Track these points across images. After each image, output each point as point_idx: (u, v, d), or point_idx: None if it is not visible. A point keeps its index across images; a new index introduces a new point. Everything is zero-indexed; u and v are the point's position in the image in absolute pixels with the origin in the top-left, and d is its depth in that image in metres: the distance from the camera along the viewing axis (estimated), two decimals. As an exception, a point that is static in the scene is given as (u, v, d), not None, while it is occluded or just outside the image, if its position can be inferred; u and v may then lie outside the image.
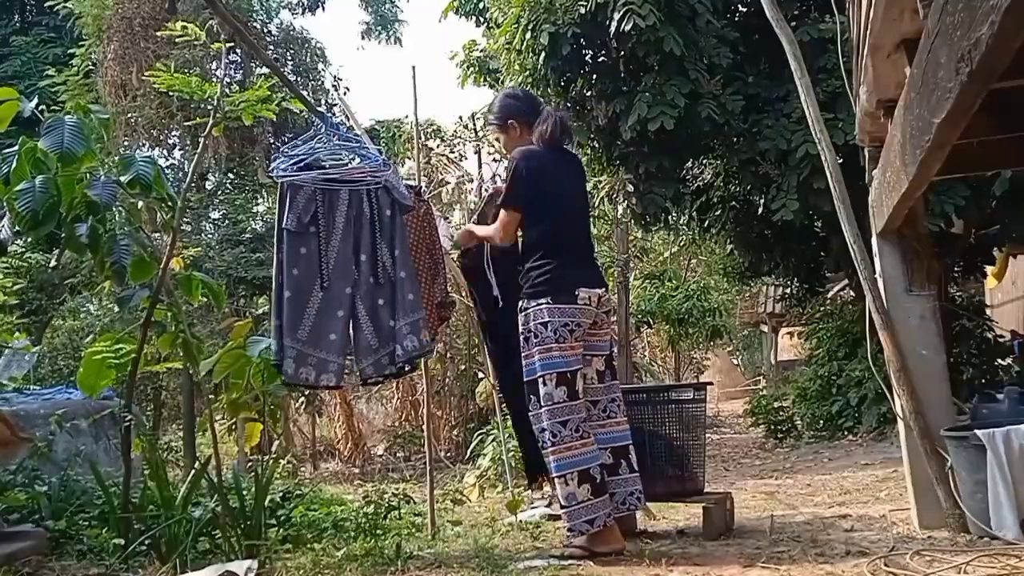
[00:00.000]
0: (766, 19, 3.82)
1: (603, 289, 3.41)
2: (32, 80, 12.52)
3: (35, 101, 3.24)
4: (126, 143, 10.79)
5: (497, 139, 3.72)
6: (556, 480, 3.22)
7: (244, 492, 3.48)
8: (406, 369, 3.66)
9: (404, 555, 3.28)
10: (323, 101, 12.10)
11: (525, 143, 3.48)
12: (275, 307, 3.36)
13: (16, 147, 3.03)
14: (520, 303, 3.34)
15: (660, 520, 4.00)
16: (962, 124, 2.11)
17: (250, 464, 6.43)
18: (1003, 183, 6.36)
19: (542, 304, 3.26)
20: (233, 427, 8.24)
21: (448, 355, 9.41)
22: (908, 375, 3.35)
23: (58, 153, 2.94)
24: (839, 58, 4.25)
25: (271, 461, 4.42)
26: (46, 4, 12.07)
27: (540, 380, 3.23)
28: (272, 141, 11.29)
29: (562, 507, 3.23)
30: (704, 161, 8.31)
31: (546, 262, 3.31)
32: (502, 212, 3.43)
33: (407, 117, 11.66)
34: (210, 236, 10.88)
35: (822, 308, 9.64)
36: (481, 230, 3.64)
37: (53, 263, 9.20)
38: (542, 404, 3.22)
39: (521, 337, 3.32)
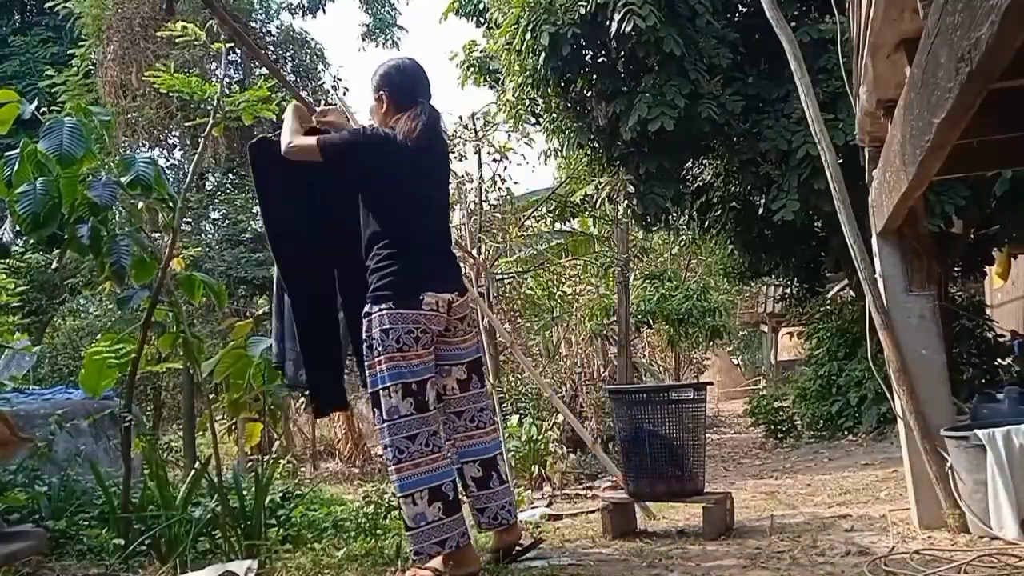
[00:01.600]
0: (766, 19, 3.83)
1: (455, 294, 3.09)
2: (31, 80, 12.52)
3: (35, 103, 3.24)
4: (126, 143, 10.79)
5: (371, 107, 3.31)
6: (402, 500, 2.93)
7: (244, 492, 3.48)
8: None
9: (404, 555, 3.27)
10: (323, 102, 12.09)
11: (387, 123, 3.15)
12: (276, 309, 3.37)
13: (17, 149, 3.04)
14: (364, 307, 3.04)
15: (660, 520, 4.00)
16: (962, 124, 2.11)
17: (250, 464, 6.43)
18: (1003, 183, 6.37)
19: (383, 309, 2.96)
20: (233, 427, 8.24)
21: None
22: (908, 375, 3.35)
23: (57, 155, 2.94)
24: (839, 58, 4.25)
25: (271, 461, 4.42)
26: (46, 4, 12.06)
27: (383, 392, 2.95)
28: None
29: (408, 529, 2.94)
30: (704, 161, 8.31)
31: (389, 263, 3.01)
32: (318, 138, 3.08)
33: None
34: (210, 236, 10.88)
35: (822, 308, 9.64)
36: (289, 126, 3.21)
37: (55, 264, 9.21)
38: (386, 418, 2.94)
39: (364, 345, 3.03)
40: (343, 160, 3.10)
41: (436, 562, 2.92)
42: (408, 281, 3.00)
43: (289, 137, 3.16)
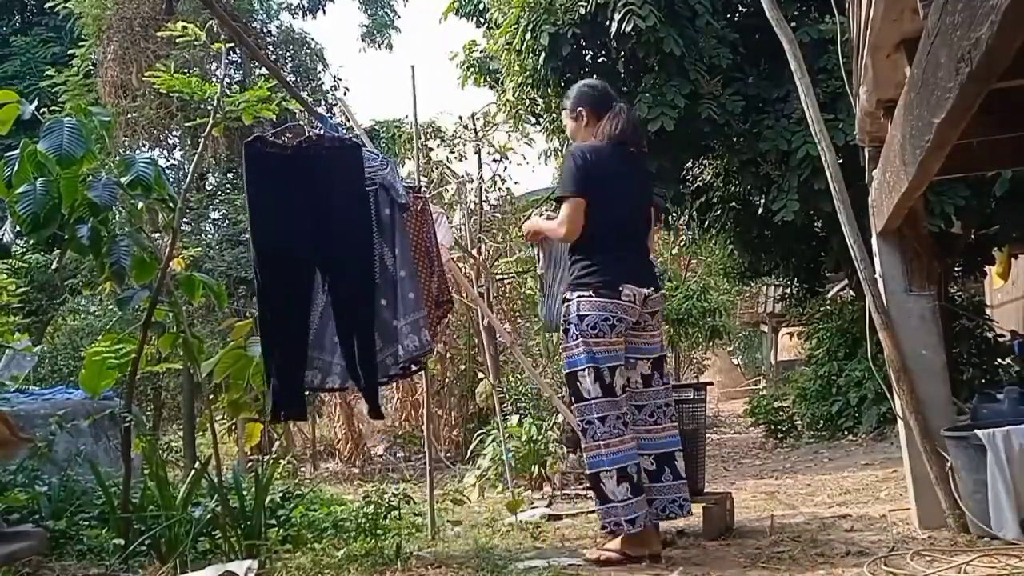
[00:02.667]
0: (766, 19, 3.83)
1: (651, 289, 3.30)
2: (32, 80, 12.51)
3: (35, 103, 3.24)
4: (126, 143, 10.78)
5: (564, 127, 3.62)
6: (591, 477, 3.15)
7: (244, 492, 3.47)
8: (412, 369, 3.66)
9: (404, 555, 3.28)
10: (323, 102, 12.10)
11: (590, 135, 3.40)
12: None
13: (18, 150, 3.04)
14: (564, 294, 3.29)
15: (665, 521, 3.99)
16: (962, 124, 2.11)
17: (250, 464, 6.43)
18: (1003, 183, 6.36)
19: (583, 296, 3.19)
20: (233, 427, 8.24)
21: (448, 355, 9.40)
22: (908, 375, 3.35)
23: (57, 156, 2.94)
24: (839, 58, 4.25)
25: (271, 461, 4.42)
26: (46, 4, 12.05)
27: (578, 374, 3.17)
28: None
29: (601, 504, 3.13)
30: (704, 161, 8.31)
31: (593, 255, 3.24)
32: (564, 205, 3.28)
33: (407, 117, 11.67)
34: (210, 236, 10.86)
35: (822, 308, 9.64)
36: (545, 224, 3.51)
37: (55, 264, 9.21)
38: (581, 398, 3.17)
39: (562, 329, 3.28)
40: (577, 190, 3.26)
41: (619, 541, 3.12)
42: (610, 272, 3.20)
43: (553, 226, 3.37)
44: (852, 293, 9.05)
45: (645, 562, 3.08)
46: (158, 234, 3.70)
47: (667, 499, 3.28)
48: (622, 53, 6.59)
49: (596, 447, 3.12)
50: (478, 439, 6.77)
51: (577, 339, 3.16)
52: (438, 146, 9.70)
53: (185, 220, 8.87)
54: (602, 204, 3.26)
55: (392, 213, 3.41)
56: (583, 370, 3.15)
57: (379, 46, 16.35)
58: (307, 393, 3.67)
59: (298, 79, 11.94)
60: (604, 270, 3.20)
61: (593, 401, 3.13)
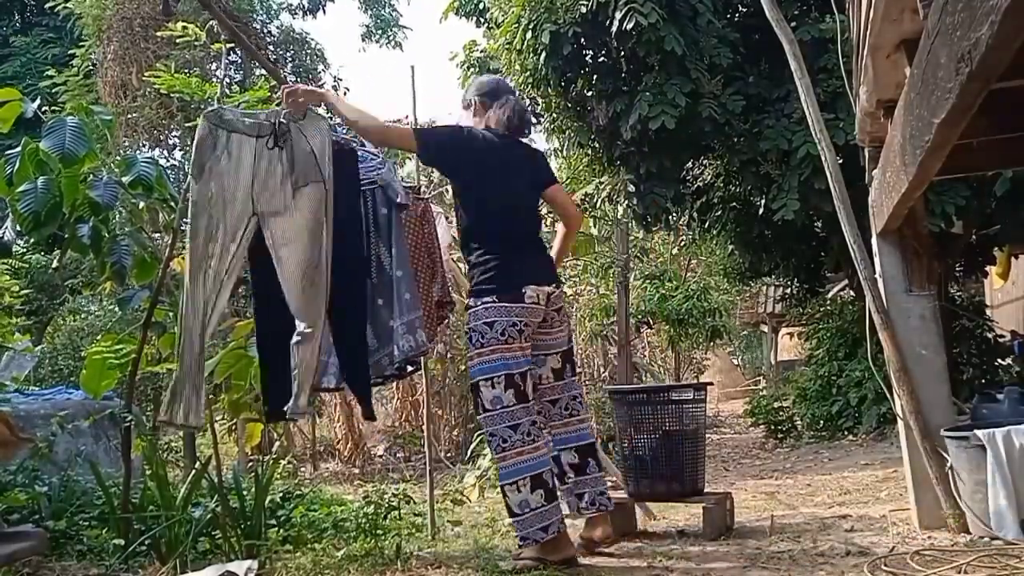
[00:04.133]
0: (766, 19, 3.83)
1: (553, 285, 3.27)
2: (32, 80, 12.51)
3: (37, 102, 3.24)
4: (126, 143, 10.79)
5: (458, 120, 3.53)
6: (506, 487, 3.06)
7: (244, 492, 3.48)
8: (408, 370, 3.65)
9: (404, 555, 3.28)
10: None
11: (480, 125, 3.36)
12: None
13: (18, 148, 3.04)
14: (467, 300, 3.24)
15: (660, 520, 4.00)
16: (962, 124, 2.11)
17: (250, 464, 6.43)
18: (1003, 183, 6.36)
19: (487, 303, 3.11)
20: (233, 427, 8.23)
21: (448, 355, 9.40)
22: (908, 375, 3.35)
23: (60, 154, 2.94)
24: (839, 58, 4.25)
25: (271, 461, 4.42)
26: (46, 5, 12.06)
27: (487, 382, 3.08)
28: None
29: (512, 515, 3.07)
30: (705, 161, 8.30)
31: (490, 257, 3.16)
32: (415, 128, 3.34)
33: (407, 117, 11.65)
34: (210, 236, 10.86)
35: (822, 308, 9.63)
36: (360, 115, 3.21)
37: (55, 264, 9.21)
38: (488, 407, 3.08)
39: (466, 337, 3.22)
40: (441, 153, 3.27)
41: (534, 549, 3.05)
42: (511, 275, 3.14)
43: (367, 119, 3.19)
44: (852, 293, 9.05)
45: (564, 564, 3.02)
46: (158, 234, 3.70)
47: (595, 491, 3.29)
48: (623, 52, 6.57)
49: (510, 456, 3.04)
50: (478, 439, 6.77)
51: (484, 347, 3.08)
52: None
53: (185, 220, 8.87)
54: (494, 199, 3.22)
55: (389, 213, 3.41)
56: (496, 378, 3.07)
57: (389, 45, 16.33)
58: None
59: (298, 79, 11.93)
60: (503, 273, 3.14)
61: (505, 409, 3.06)
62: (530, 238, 3.36)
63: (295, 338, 3.03)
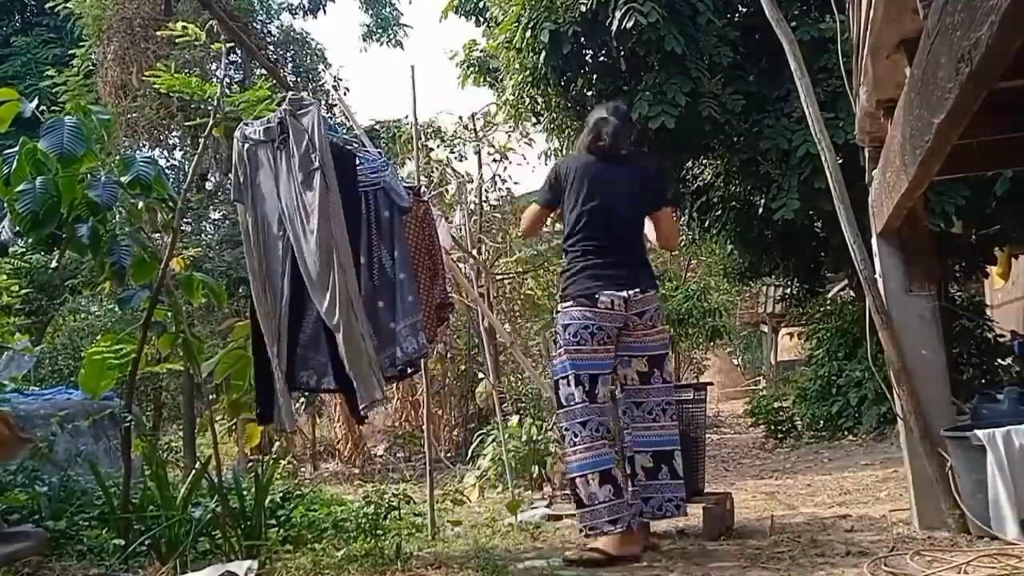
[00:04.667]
0: (766, 19, 3.82)
1: (635, 291, 3.33)
2: (32, 80, 12.51)
3: (35, 102, 3.24)
4: (126, 143, 10.78)
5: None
6: (577, 480, 3.20)
7: (244, 492, 3.47)
8: (408, 371, 3.65)
9: (404, 555, 3.28)
10: (323, 102, 12.07)
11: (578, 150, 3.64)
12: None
13: (16, 148, 3.04)
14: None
15: (660, 520, 3.99)
16: (962, 124, 2.11)
17: (250, 464, 6.42)
18: (1003, 183, 6.36)
19: (565, 306, 3.35)
20: (233, 427, 8.22)
21: (448, 355, 9.40)
22: (908, 375, 3.34)
23: (58, 154, 2.94)
24: (839, 58, 4.25)
25: (271, 461, 4.42)
26: (46, 5, 12.05)
27: (563, 381, 3.28)
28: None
29: (580, 506, 3.19)
30: (704, 161, 8.30)
31: (573, 266, 3.39)
32: (536, 205, 3.64)
33: (407, 117, 11.65)
34: (210, 236, 10.86)
35: (822, 308, 9.63)
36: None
37: (54, 264, 9.21)
38: (564, 404, 3.27)
39: (554, 339, 3.50)
40: (547, 198, 3.60)
41: (603, 542, 3.13)
42: (587, 282, 3.32)
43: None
44: (852, 293, 9.05)
45: (627, 561, 3.08)
46: (158, 234, 3.70)
47: (663, 498, 3.32)
48: (623, 51, 6.57)
49: (578, 451, 3.20)
50: (478, 439, 6.77)
51: (560, 348, 3.31)
52: (438, 146, 9.70)
53: (185, 220, 8.88)
54: (581, 214, 3.41)
55: (392, 215, 3.41)
56: (564, 378, 3.27)
57: (390, 44, 16.32)
58: (305, 393, 3.66)
59: (298, 79, 11.94)
60: (582, 280, 3.33)
61: (576, 407, 3.23)
62: (619, 248, 3.43)
63: (338, 336, 3.06)
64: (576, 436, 3.20)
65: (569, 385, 3.26)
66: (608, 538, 3.12)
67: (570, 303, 3.33)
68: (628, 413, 3.38)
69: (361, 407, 3.11)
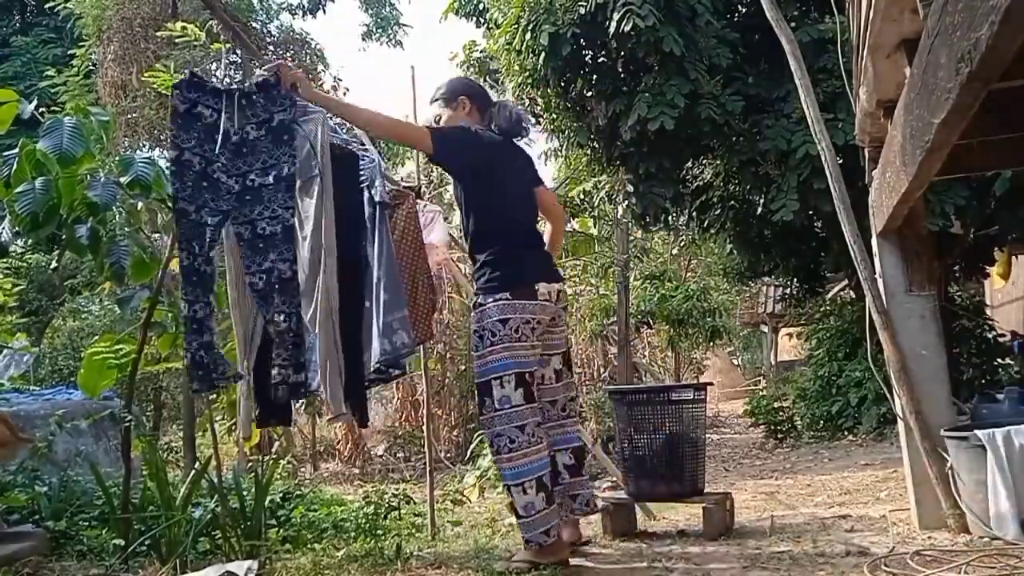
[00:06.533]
0: (766, 19, 3.82)
1: (562, 283, 3.29)
2: (32, 80, 12.53)
3: (34, 103, 3.24)
4: (126, 143, 10.79)
5: (437, 117, 3.40)
6: (513, 489, 3.01)
7: (244, 492, 3.48)
8: (392, 373, 3.61)
9: (404, 555, 3.28)
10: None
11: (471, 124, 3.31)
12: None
13: (16, 149, 3.04)
14: (476, 298, 3.15)
15: (660, 520, 4.00)
16: (962, 124, 2.11)
17: (250, 464, 6.43)
18: (1003, 183, 6.36)
19: (500, 300, 3.05)
20: (233, 427, 8.23)
21: (448, 355, 9.40)
22: (908, 375, 3.34)
23: (57, 154, 2.94)
24: (839, 58, 4.25)
25: (271, 462, 4.42)
26: (46, 5, 12.07)
27: (497, 381, 3.03)
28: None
29: (519, 518, 3.04)
30: (704, 161, 8.31)
31: (503, 255, 3.12)
32: (430, 128, 3.22)
33: (407, 117, 11.65)
34: (210, 236, 10.86)
35: (822, 308, 9.63)
36: (368, 114, 3.21)
37: (54, 265, 9.22)
38: (498, 407, 3.02)
39: (475, 335, 3.12)
40: (453, 154, 3.21)
41: (531, 553, 3.02)
42: (524, 272, 3.11)
43: (378, 117, 3.19)
44: (852, 293, 9.05)
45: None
46: (158, 234, 3.70)
47: (588, 493, 3.34)
48: (622, 53, 6.58)
49: (515, 457, 3.00)
50: (478, 439, 6.77)
51: (496, 345, 3.02)
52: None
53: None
54: (500, 196, 3.20)
55: (373, 211, 3.35)
56: (505, 376, 3.02)
57: (390, 43, 16.32)
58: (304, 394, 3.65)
59: (298, 79, 11.92)
60: (517, 270, 3.11)
61: (514, 409, 3.01)
62: (537, 236, 3.38)
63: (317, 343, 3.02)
64: (512, 442, 2.99)
65: (506, 386, 3.00)
66: (541, 548, 3.00)
67: (505, 294, 3.04)
68: (543, 412, 3.23)
69: (328, 418, 3.10)
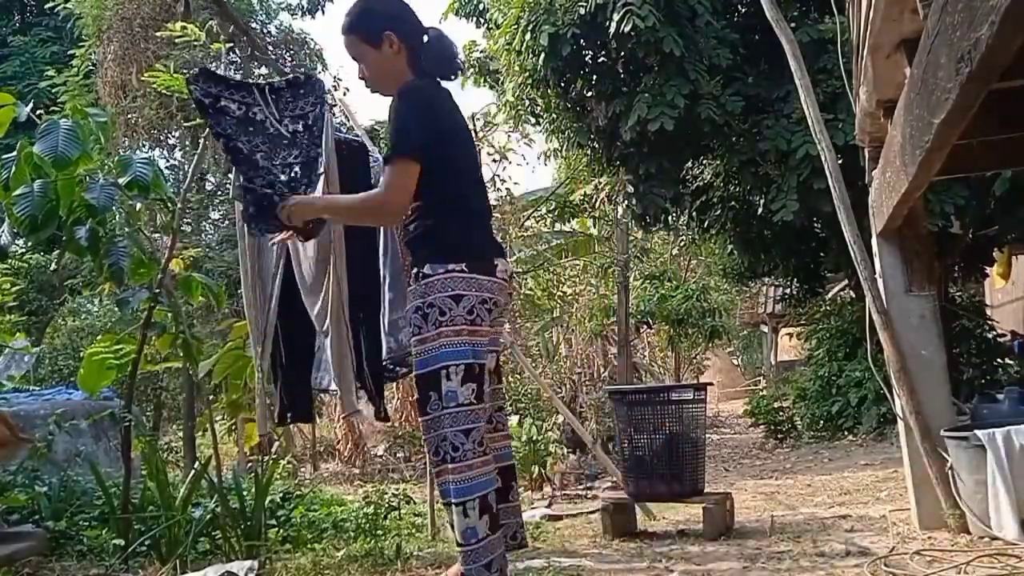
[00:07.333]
0: (766, 19, 3.82)
1: (509, 263, 2.67)
2: (32, 80, 12.53)
3: (30, 105, 3.23)
4: (126, 143, 10.78)
5: (360, 68, 2.57)
6: (453, 508, 2.38)
7: (244, 492, 3.48)
8: (399, 371, 3.64)
9: (404, 555, 3.28)
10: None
11: (399, 71, 2.52)
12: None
13: (15, 152, 3.04)
14: (418, 268, 2.45)
15: (660, 520, 4.00)
16: (962, 124, 2.11)
17: (250, 464, 6.42)
18: (1003, 183, 6.36)
19: (453, 271, 2.39)
20: (233, 427, 8.23)
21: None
22: (908, 375, 3.34)
23: (52, 157, 2.93)
24: (839, 58, 4.25)
25: (271, 462, 4.42)
26: (46, 4, 12.06)
27: (443, 372, 2.37)
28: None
29: (459, 545, 2.39)
30: (704, 162, 8.31)
31: (456, 219, 2.47)
32: (393, 165, 2.39)
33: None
34: (210, 236, 10.88)
35: (822, 309, 9.63)
36: (344, 200, 2.76)
37: (53, 266, 9.22)
38: (444, 405, 2.38)
39: (416, 313, 2.41)
40: (426, 148, 2.42)
41: None
42: (484, 242, 2.52)
43: (367, 201, 2.59)
44: (852, 293, 9.06)
45: None
46: (157, 234, 3.70)
47: (516, 523, 2.71)
48: (622, 53, 6.58)
49: (460, 468, 2.37)
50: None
51: (444, 327, 2.37)
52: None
53: (185, 220, 8.87)
54: (454, 159, 2.52)
55: None
56: (454, 366, 2.37)
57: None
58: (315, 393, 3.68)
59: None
60: (474, 239, 2.49)
61: (461, 409, 2.37)
62: (488, 203, 2.80)
63: (326, 342, 3.03)
64: (457, 450, 2.36)
65: (454, 378, 2.36)
66: None
67: (460, 266, 2.39)
68: None
69: (342, 416, 3.12)
